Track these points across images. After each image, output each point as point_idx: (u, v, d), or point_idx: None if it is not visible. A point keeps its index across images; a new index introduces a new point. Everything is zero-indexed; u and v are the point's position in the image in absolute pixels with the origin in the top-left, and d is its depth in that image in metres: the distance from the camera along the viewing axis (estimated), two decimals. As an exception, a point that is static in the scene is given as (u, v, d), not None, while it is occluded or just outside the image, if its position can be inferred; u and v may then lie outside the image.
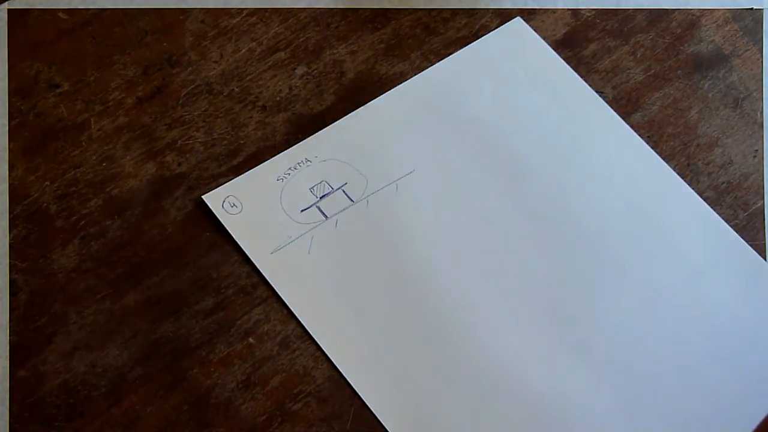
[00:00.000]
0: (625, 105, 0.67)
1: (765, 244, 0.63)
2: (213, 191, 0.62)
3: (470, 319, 0.59)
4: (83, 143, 0.64)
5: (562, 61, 0.68)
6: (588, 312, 0.60)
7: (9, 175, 0.62)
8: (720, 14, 0.71)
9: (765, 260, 0.62)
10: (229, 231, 0.61)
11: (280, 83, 0.66)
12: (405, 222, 0.62)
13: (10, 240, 0.60)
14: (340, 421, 0.57)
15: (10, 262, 0.60)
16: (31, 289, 0.59)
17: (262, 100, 0.66)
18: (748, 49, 0.69)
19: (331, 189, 0.63)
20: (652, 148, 0.65)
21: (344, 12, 0.69)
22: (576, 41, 0.69)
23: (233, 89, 0.66)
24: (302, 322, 0.59)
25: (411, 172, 0.64)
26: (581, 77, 0.67)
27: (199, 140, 0.64)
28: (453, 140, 0.65)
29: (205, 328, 0.59)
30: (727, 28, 0.70)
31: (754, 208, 0.64)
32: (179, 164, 0.63)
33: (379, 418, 0.57)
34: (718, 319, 0.60)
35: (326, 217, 0.62)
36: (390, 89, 0.66)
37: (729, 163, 0.66)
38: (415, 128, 0.65)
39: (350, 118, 0.65)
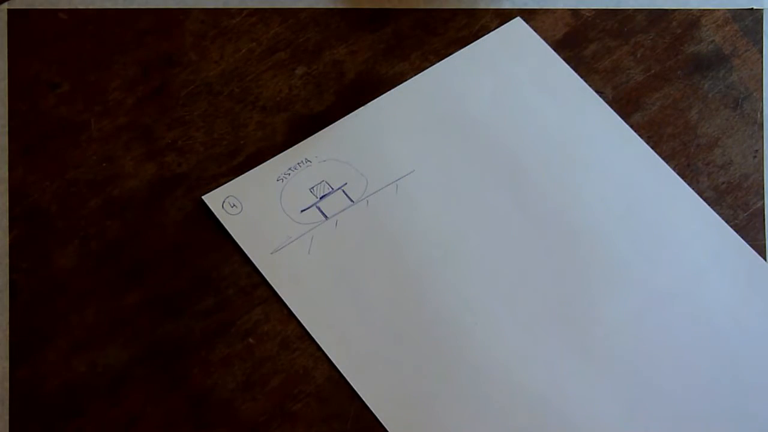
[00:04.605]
0: (625, 105, 0.67)
1: (765, 244, 0.63)
2: (213, 191, 0.62)
3: (470, 319, 0.59)
4: (83, 143, 0.64)
5: (562, 61, 0.68)
6: (588, 312, 0.60)
7: (9, 175, 0.62)
8: (720, 14, 0.70)
9: (765, 260, 0.62)
10: (229, 231, 0.61)
11: (280, 83, 0.66)
12: (405, 222, 0.62)
13: (10, 240, 0.60)
14: (340, 421, 0.57)
15: (10, 262, 0.60)
16: (31, 289, 0.59)
17: (262, 100, 0.66)
18: (748, 49, 0.69)
19: (331, 189, 0.63)
20: (652, 148, 0.65)
21: (344, 12, 0.69)
22: (576, 41, 0.69)
23: (233, 89, 0.66)
24: (302, 322, 0.59)
25: (411, 172, 0.64)
26: (581, 77, 0.67)
27: (199, 140, 0.64)
28: (453, 140, 0.65)
29: (205, 328, 0.59)
30: (727, 28, 0.70)
31: (754, 208, 0.64)
32: (179, 164, 0.63)
33: (379, 418, 0.57)
34: (718, 319, 0.60)
35: (326, 217, 0.62)
36: (390, 89, 0.66)
37: (729, 164, 0.66)
38: (415, 128, 0.65)
39: (350, 118, 0.65)
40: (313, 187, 0.63)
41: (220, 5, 0.69)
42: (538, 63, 0.68)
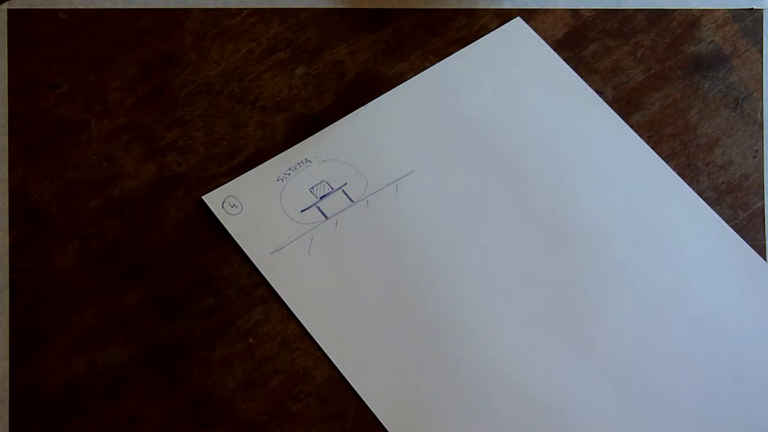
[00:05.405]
0: (625, 105, 0.67)
1: (765, 244, 0.63)
2: (213, 192, 0.62)
3: (470, 319, 0.59)
4: (83, 143, 0.64)
5: (562, 61, 0.68)
6: (588, 312, 0.60)
7: (9, 175, 0.62)
8: (720, 14, 0.71)
9: (765, 260, 0.62)
10: (229, 231, 0.61)
11: (280, 83, 0.66)
12: (405, 222, 0.62)
13: (10, 240, 0.60)
14: (340, 421, 0.57)
15: (10, 262, 0.60)
16: (31, 289, 0.59)
17: (262, 100, 0.66)
18: (748, 49, 0.69)
19: (331, 189, 0.63)
20: (652, 148, 0.65)
21: (344, 12, 0.69)
22: (576, 41, 0.69)
23: (233, 89, 0.66)
24: (302, 322, 0.59)
25: (411, 172, 0.64)
26: (581, 77, 0.67)
27: (199, 140, 0.64)
28: (453, 140, 0.65)
29: (205, 328, 0.59)
30: (727, 28, 0.70)
31: (754, 208, 0.64)
32: (179, 164, 0.63)
33: (379, 418, 0.57)
34: (718, 319, 0.60)
35: (326, 217, 0.62)
36: (390, 89, 0.66)
37: (729, 163, 0.66)
38: (415, 128, 0.65)
39: (350, 118, 0.65)
40: (313, 187, 0.63)
41: (220, 5, 0.69)
42: (538, 63, 0.68)
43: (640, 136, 0.66)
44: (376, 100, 0.66)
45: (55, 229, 0.61)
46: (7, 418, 0.56)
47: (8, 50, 0.66)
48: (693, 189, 0.64)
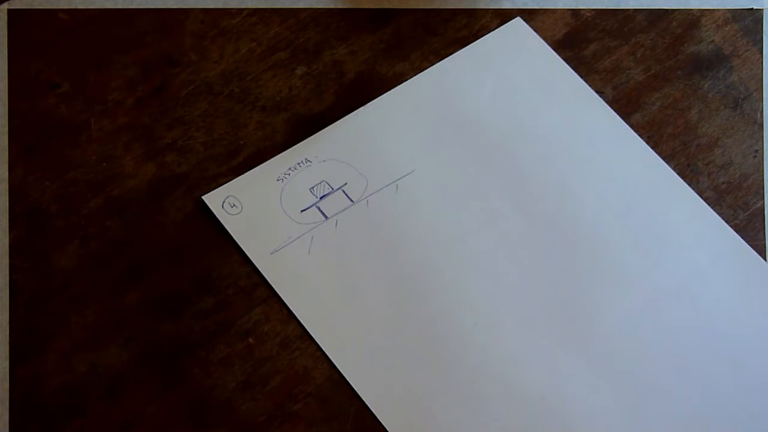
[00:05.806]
0: (625, 105, 0.67)
1: (765, 244, 0.63)
2: (213, 192, 0.62)
3: (470, 319, 0.59)
4: (83, 143, 0.64)
5: (562, 61, 0.68)
6: (588, 312, 0.60)
7: (9, 175, 0.62)
8: (720, 14, 0.71)
9: (765, 260, 0.62)
10: (229, 231, 0.61)
11: (280, 83, 0.66)
12: (405, 222, 0.62)
13: (10, 240, 0.60)
14: (340, 421, 0.57)
15: (10, 262, 0.60)
16: (31, 289, 0.59)
17: (262, 100, 0.66)
18: (748, 49, 0.69)
19: (331, 189, 0.63)
20: (652, 148, 0.65)
21: (344, 12, 0.69)
22: (576, 41, 0.69)
23: (233, 89, 0.66)
24: (302, 322, 0.59)
25: (411, 172, 0.64)
26: (581, 77, 0.67)
27: (199, 140, 0.64)
28: (453, 140, 0.65)
29: (205, 328, 0.59)
30: (727, 28, 0.70)
31: (754, 208, 0.64)
32: (179, 164, 0.63)
33: (379, 418, 0.57)
34: (718, 319, 0.60)
35: (326, 217, 0.62)
36: (390, 89, 0.66)
37: (729, 163, 0.66)
38: (415, 128, 0.65)
39: (350, 118, 0.65)
40: (313, 187, 0.63)
41: (220, 5, 0.69)
42: (538, 63, 0.68)
43: (640, 136, 0.66)
44: (376, 100, 0.66)
45: (55, 229, 0.61)
46: (7, 418, 0.56)
47: (8, 50, 0.66)
48: (693, 189, 0.64)
